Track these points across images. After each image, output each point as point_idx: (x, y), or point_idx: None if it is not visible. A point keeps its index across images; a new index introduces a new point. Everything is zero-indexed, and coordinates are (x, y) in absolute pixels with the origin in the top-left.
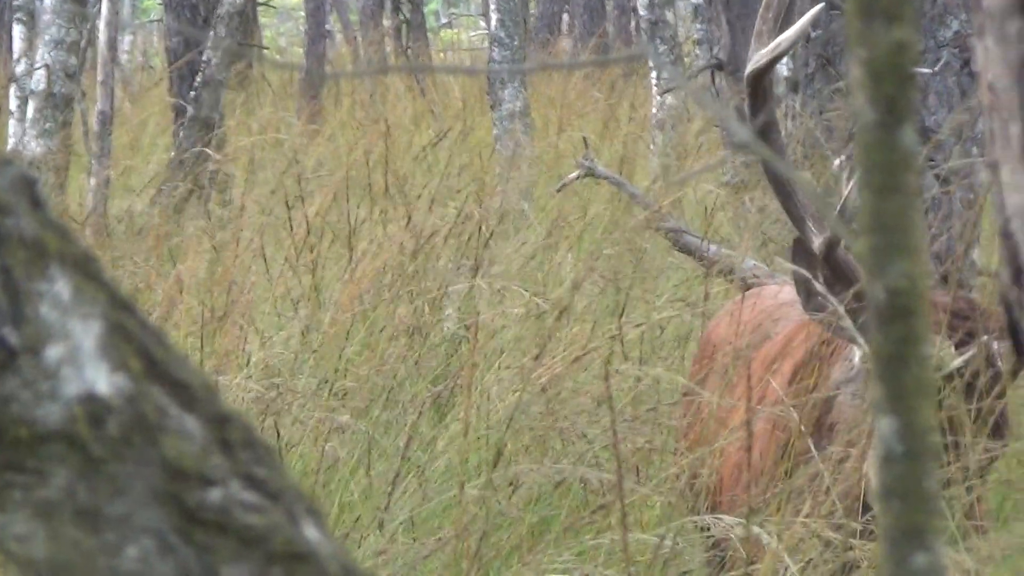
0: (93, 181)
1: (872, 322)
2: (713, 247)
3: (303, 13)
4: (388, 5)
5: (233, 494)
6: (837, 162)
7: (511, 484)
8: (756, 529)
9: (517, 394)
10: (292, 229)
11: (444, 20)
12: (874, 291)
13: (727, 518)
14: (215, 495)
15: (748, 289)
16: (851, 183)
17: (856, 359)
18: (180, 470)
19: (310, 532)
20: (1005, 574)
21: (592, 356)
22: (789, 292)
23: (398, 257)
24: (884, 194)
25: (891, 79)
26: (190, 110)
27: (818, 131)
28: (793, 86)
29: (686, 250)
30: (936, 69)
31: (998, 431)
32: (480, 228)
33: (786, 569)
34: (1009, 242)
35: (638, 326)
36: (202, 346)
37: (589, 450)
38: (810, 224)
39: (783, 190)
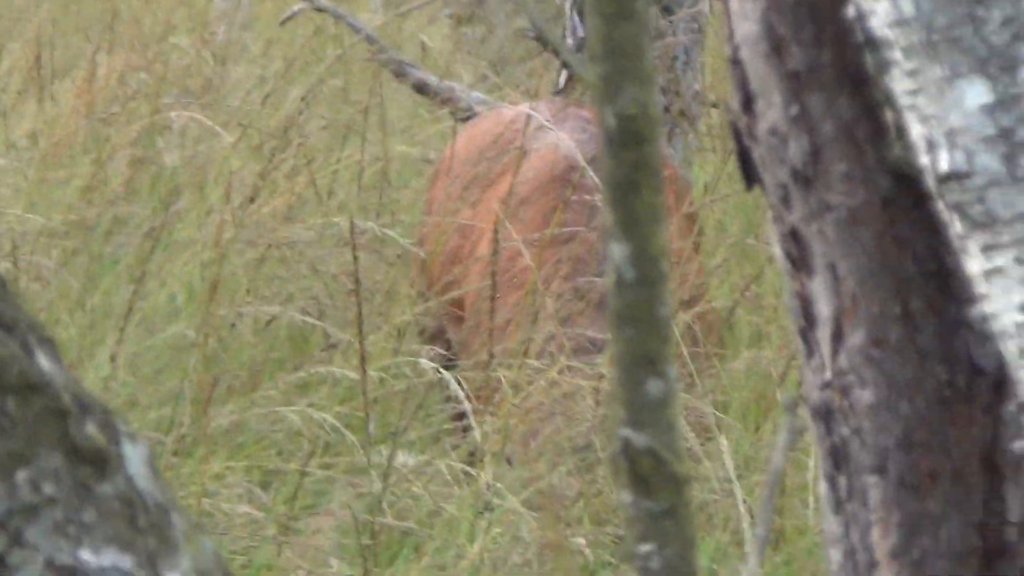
0: None
1: (603, 149)
2: (435, 79)
3: None
4: None
5: None
6: None
7: (233, 323)
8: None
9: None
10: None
11: None
12: (605, 118)
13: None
14: None
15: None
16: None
17: None
18: None
19: (43, 363)
20: None
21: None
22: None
23: (115, 89)
24: (614, 21)
25: None
26: None
27: None
28: None
29: (410, 83)
30: None
31: None
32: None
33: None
34: (738, 70)
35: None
36: None
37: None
38: None
39: None
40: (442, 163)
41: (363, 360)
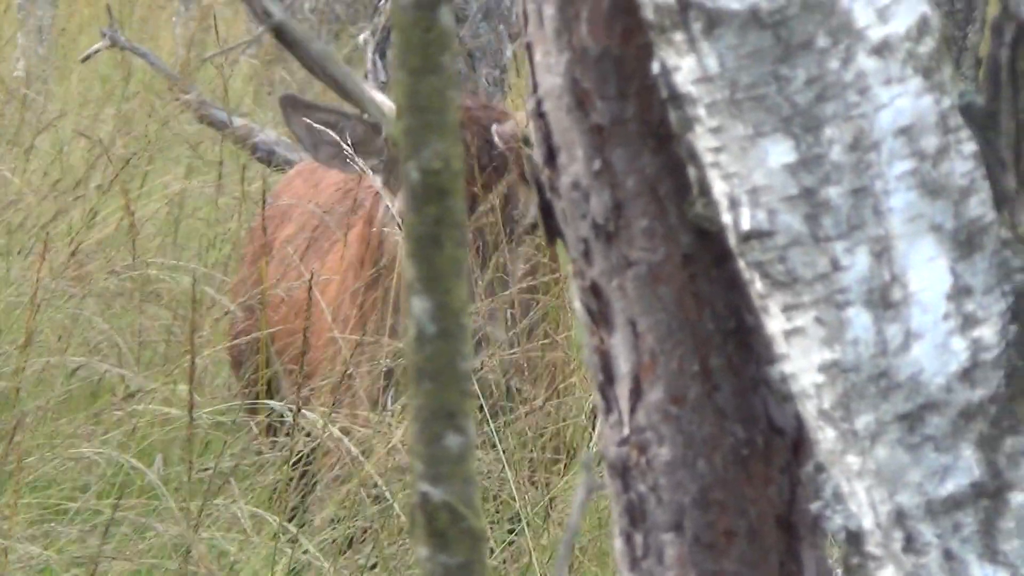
0: None
1: (407, 203)
2: (238, 120)
3: None
4: None
5: None
6: (362, 37)
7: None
8: (310, 415)
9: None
10: None
11: None
12: (409, 172)
13: (276, 404)
14: None
15: (269, 162)
16: (375, 57)
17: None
18: None
19: None
20: None
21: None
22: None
23: None
24: (420, 75)
25: None
26: None
27: (339, 5)
28: None
29: (211, 123)
30: None
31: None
32: None
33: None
34: (541, 123)
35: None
36: None
37: (105, 340)
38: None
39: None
40: (273, 209)
41: (192, 400)
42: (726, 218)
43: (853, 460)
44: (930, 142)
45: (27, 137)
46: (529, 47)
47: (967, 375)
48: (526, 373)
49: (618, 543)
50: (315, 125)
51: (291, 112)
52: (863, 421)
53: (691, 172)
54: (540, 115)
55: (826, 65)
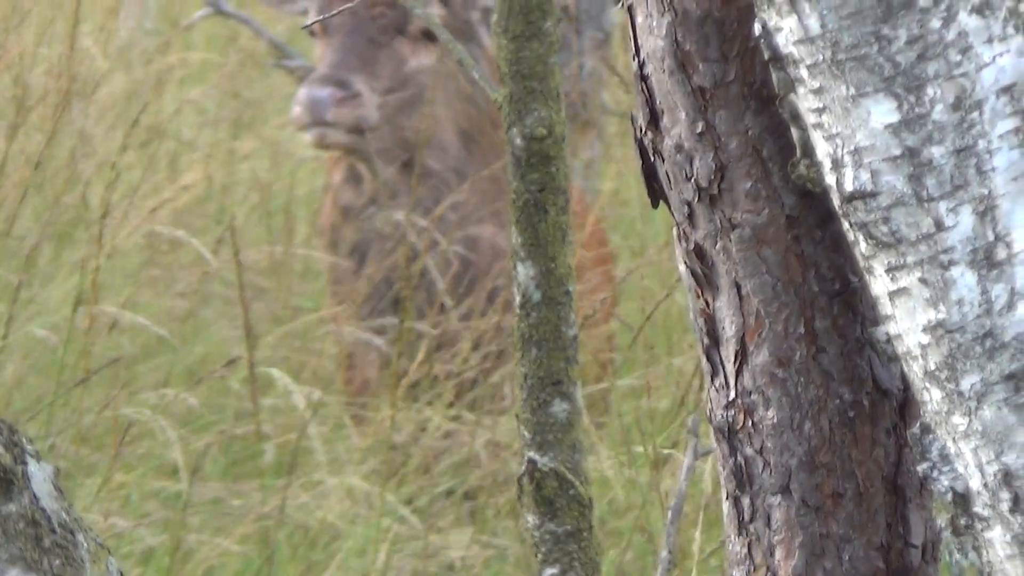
0: None
1: (511, 170)
2: None
3: None
4: None
5: None
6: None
7: None
8: None
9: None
10: None
11: None
12: (513, 138)
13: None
14: None
15: None
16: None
17: None
18: None
19: None
20: None
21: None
22: None
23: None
24: (522, 41)
25: None
26: None
27: None
28: None
29: None
30: None
31: None
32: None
33: None
34: (644, 85)
35: None
36: None
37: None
38: None
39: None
40: None
41: (252, 372)
42: (829, 179)
43: (959, 421)
44: None
45: (134, 109)
46: (631, 10)
47: None
48: None
49: (726, 506)
50: None
51: None
52: (969, 382)
53: (794, 133)
54: (643, 78)
55: (928, 24)
